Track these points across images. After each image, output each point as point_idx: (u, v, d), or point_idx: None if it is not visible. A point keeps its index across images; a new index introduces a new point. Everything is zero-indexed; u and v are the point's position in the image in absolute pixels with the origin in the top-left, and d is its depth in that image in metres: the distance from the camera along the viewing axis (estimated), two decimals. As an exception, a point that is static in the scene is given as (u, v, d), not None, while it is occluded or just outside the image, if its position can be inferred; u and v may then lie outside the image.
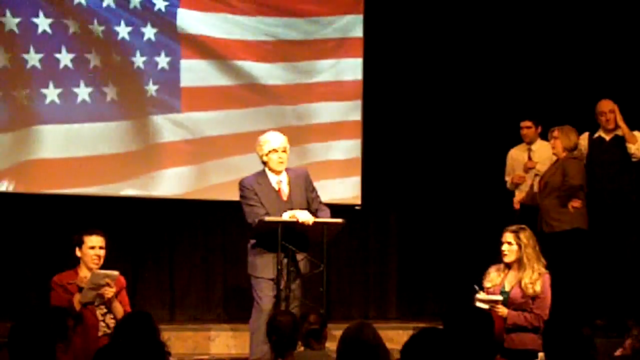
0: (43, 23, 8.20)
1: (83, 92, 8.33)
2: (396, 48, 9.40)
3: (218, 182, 8.74)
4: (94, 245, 6.30)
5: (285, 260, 6.75)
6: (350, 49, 9.14)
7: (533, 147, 8.76)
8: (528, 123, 8.77)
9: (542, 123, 8.71)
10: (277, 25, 8.96)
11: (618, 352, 5.60)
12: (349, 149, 9.12)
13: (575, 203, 7.97)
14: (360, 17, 9.14)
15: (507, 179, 8.87)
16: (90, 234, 6.32)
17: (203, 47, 8.71)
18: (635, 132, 8.12)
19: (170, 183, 8.66)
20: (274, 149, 6.87)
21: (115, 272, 6.22)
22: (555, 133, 8.12)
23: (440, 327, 4.10)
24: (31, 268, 8.28)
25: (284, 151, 6.90)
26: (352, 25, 9.13)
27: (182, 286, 8.95)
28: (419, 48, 9.43)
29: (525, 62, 9.35)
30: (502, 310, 6.50)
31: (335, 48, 9.12)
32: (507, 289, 6.64)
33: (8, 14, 8.13)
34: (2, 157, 8.16)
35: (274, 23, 8.95)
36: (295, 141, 7.09)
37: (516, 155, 8.86)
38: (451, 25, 9.43)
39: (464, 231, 9.35)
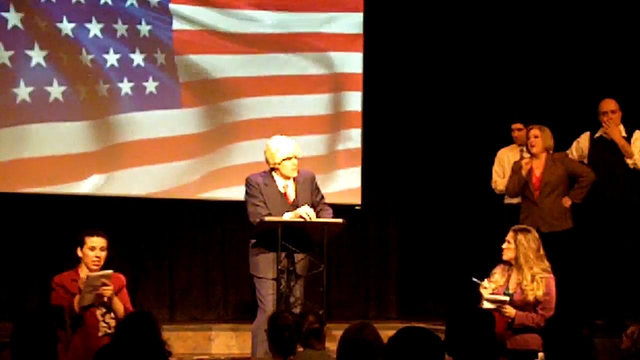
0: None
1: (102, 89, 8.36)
2: (395, 44, 9.40)
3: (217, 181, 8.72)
4: (94, 246, 6.22)
5: (286, 261, 6.76)
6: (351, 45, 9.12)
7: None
8: (519, 125, 8.50)
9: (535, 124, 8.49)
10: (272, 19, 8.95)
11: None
12: (350, 149, 9.11)
13: (569, 201, 8.02)
14: (360, 14, 9.14)
15: (498, 179, 8.54)
16: (92, 234, 6.24)
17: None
18: (636, 132, 8.13)
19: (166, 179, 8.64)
20: (287, 157, 6.86)
21: (109, 271, 6.15)
22: (536, 132, 7.99)
23: (433, 326, 4.09)
24: (31, 268, 8.27)
25: (296, 157, 6.89)
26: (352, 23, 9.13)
27: (182, 286, 8.95)
28: (419, 46, 9.43)
29: (525, 58, 9.33)
30: (510, 310, 6.47)
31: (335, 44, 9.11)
32: (510, 290, 6.63)
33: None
34: None
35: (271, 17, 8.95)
36: (293, 134, 7.07)
37: (508, 157, 8.55)
38: (451, 20, 9.42)
39: (465, 231, 9.34)
